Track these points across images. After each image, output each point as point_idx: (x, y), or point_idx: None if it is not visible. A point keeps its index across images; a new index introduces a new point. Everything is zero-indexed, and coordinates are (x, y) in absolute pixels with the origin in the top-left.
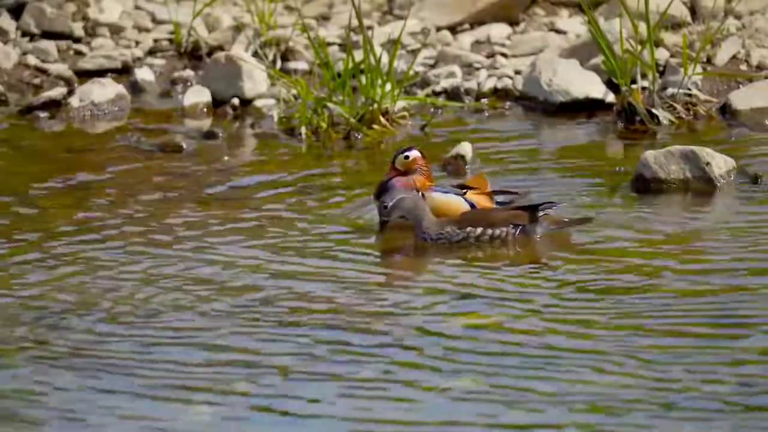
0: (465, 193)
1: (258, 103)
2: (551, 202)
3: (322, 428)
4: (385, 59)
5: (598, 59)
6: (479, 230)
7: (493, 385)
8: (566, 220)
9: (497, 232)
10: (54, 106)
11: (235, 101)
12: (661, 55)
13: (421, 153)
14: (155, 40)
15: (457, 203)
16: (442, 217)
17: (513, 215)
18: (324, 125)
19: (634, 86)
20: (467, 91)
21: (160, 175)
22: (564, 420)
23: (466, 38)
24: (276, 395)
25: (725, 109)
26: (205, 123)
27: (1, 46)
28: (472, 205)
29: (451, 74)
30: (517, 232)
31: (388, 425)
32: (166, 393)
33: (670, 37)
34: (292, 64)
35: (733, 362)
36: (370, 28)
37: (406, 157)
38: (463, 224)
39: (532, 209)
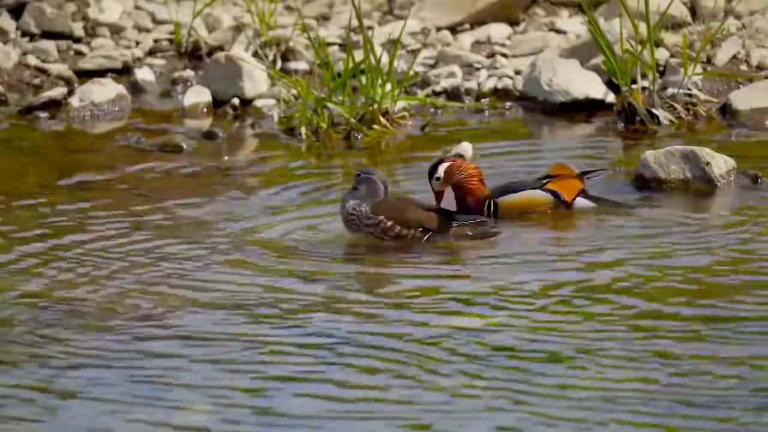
0: (545, 184)
1: (258, 103)
2: (473, 217)
3: (320, 428)
4: (385, 59)
5: (598, 59)
6: (389, 223)
7: (493, 384)
8: (470, 233)
9: (404, 232)
10: (54, 106)
11: (235, 101)
12: (661, 55)
13: (451, 161)
14: (155, 40)
15: (530, 196)
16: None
17: (427, 217)
18: (324, 125)
19: (634, 86)
20: (467, 91)
21: (160, 175)
22: (564, 419)
23: (466, 38)
24: (275, 394)
25: (725, 110)
26: (205, 123)
27: (1, 46)
28: (556, 195)
29: (451, 74)
30: (425, 238)
31: (388, 426)
32: (167, 392)
33: (670, 37)
34: (292, 64)
35: (731, 361)
36: (370, 28)
37: (438, 179)
38: (377, 211)
39: (449, 219)
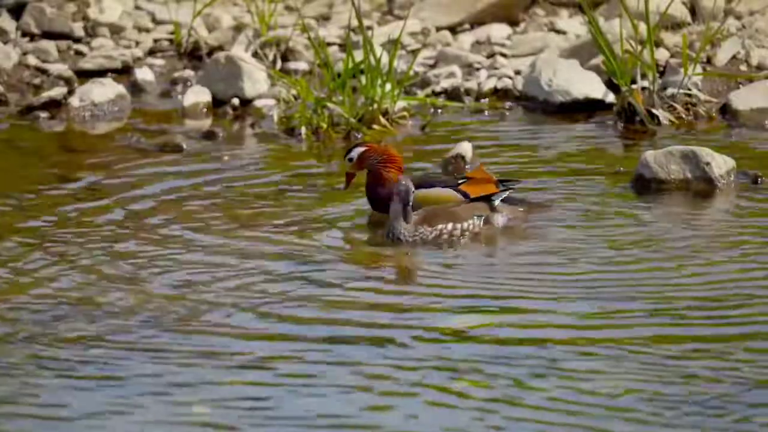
0: (459, 184)
1: (258, 103)
2: (503, 190)
3: (320, 428)
4: (385, 59)
5: (598, 59)
6: (450, 226)
7: (493, 385)
8: (521, 209)
9: (465, 225)
10: (54, 106)
11: (235, 101)
12: (661, 55)
13: (366, 145)
14: (155, 40)
15: (441, 195)
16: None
17: (473, 207)
18: (324, 125)
19: (634, 86)
20: (467, 91)
21: (160, 175)
22: (564, 421)
23: (466, 38)
24: (275, 395)
25: (725, 110)
26: (205, 123)
27: (1, 46)
28: (466, 196)
29: (451, 74)
30: (482, 223)
31: (388, 425)
32: (167, 391)
33: (670, 37)
34: (292, 64)
35: (731, 359)
36: (370, 28)
37: (350, 160)
38: (434, 222)
39: (487, 200)
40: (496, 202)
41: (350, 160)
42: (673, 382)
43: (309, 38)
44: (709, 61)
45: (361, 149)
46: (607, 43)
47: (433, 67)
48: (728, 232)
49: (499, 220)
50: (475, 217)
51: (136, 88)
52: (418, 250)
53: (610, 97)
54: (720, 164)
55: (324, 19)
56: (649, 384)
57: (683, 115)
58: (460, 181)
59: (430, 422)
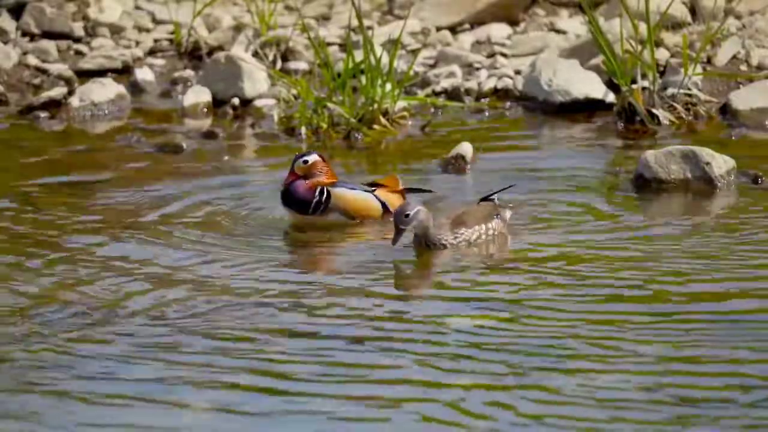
0: (374, 191)
1: (258, 103)
2: (497, 191)
3: (321, 428)
4: (385, 59)
5: (598, 59)
6: (484, 227)
7: (494, 383)
8: (512, 206)
9: (492, 225)
10: (54, 106)
11: (235, 101)
12: (662, 55)
13: (320, 156)
14: (155, 40)
15: (366, 199)
16: (437, 221)
17: (488, 207)
18: (324, 125)
19: (634, 86)
20: (467, 91)
21: (160, 175)
22: (565, 418)
23: (467, 38)
24: (277, 396)
25: (725, 109)
26: (205, 123)
27: (1, 46)
28: (383, 203)
29: (452, 74)
30: (500, 221)
31: (389, 426)
32: (167, 391)
33: (670, 37)
34: (292, 64)
35: (731, 360)
36: (370, 28)
37: (305, 162)
38: (470, 225)
39: (487, 199)
40: (497, 200)
41: (305, 162)
42: (676, 378)
43: (309, 38)
44: (709, 61)
45: (317, 157)
46: (608, 42)
47: (433, 67)
48: (727, 232)
49: (507, 216)
50: (496, 217)
51: (136, 88)
52: (458, 252)
53: (610, 97)
54: (720, 164)
55: (324, 19)
56: (648, 382)
57: (683, 115)
58: (372, 188)
59: (431, 423)
